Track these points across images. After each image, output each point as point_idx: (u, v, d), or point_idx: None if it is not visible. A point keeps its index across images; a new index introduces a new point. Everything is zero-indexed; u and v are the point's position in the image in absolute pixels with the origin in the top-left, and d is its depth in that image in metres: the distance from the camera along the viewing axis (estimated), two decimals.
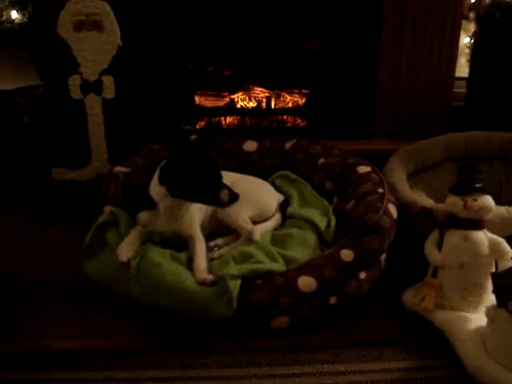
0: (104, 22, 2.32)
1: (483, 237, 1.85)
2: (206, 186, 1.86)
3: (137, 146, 2.43)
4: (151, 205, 1.93)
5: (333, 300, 1.86)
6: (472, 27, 2.98)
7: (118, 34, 2.33)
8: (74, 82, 2.35)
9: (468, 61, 3.01)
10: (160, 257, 1.88)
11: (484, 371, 1.63)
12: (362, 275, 1.92)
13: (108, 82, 2.37)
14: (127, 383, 1.65)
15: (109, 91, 2.38)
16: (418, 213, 1.97)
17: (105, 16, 2.31)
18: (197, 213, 2.01)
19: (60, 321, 1.90)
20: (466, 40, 3.12)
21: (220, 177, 1.88)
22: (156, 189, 1.90)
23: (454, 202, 1.86)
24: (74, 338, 1.82)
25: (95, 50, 2.33)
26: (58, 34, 2.29)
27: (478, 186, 1.86)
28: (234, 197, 1.88)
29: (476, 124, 2.60)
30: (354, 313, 1.93)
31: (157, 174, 1.92)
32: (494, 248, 1.84)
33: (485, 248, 1.83)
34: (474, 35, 2.87)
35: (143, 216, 1.98)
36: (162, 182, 1.88)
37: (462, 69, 3.08)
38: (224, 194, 1.86)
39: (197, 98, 2.80)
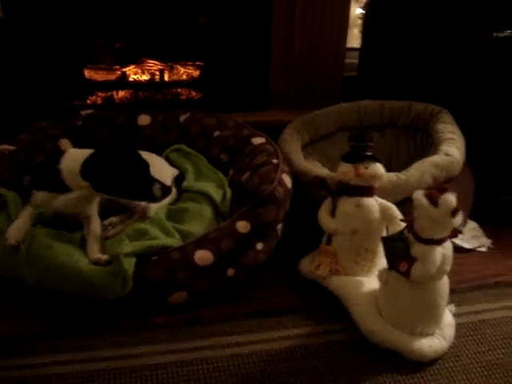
0: None
1: (374, 203, 1.89)
2: (137, 183, 1.80)
3: (24, 124, 2.32)
4: (63, 189, 1.84)
5: (230, 272, 1.85)
6: None
7: None
8: None
9: (360, 31, 3.07)
10: (51, 238, 1.81)
11: (377, 332, 1.69)
12: (259, 246, 1.92)
13: None
14: (20, 370, 1.59)
15: None
16: (312, 182, 1.99)
17: None
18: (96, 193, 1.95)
19: None
20: (358, 11, 3.17)
21: (149, 171, 1.82)
22: (74, 179, 1.81)
23: (345, 170, 1.89)
24: None
25: None
26: None
27: (368, 153, 1.89)
28: (166, 190, 1.84)
29: (368, 94, 2.65)
30: (251, 284, 1.94)
31: (69, 160, 1.82)
32: (385, 213, 1.89)
33: (376, 214, 1.88)
34: (366, 6, 2.92)
35: (40, 196, 1.89)
36: (85, 177, 1.79)
37: (355, 40, 3.13)
38: (156, 189, 1.81)
39: (86, 72, 2.69)
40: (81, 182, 1.81)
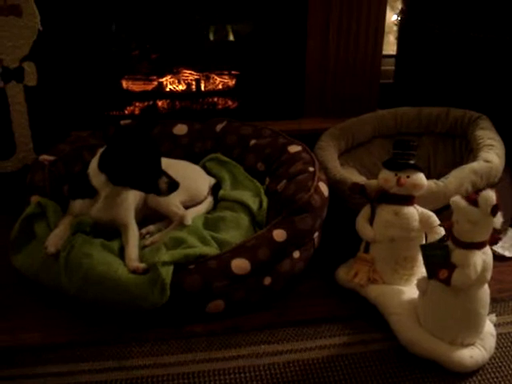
0: (22, 7, 2.22)
1: (414, 211, 1.87)
2: (142, 174, 1.81)
3: (63, 134, 2.36)
4: (92, 193, 1.87)
5: (267, 281, 1.85)
6: (399, 4, 3.01)
7: (38, 18, 2.24)
8: None
9: (396, 38, 3.05)
10: (90, 247, 1.84)
11: (416, 342, 1.67)
12: (296, 254, 1.92)
13: (29, 68, 2.27)
14: (60, 377, 1.61)
15: (31, 78, 2.29)
16: (350, 189, 1.97)
17: (23, 0, 2.22)
18: (132, 200, 1.97)
19: None
20: (393, 17, 3.15)
21: (159, 164, 1.83)
22: (97, 177, 1.84)
23: (386, 178, 1.86)
24: (3, 334, 1.76)
25: (14, 36, 2.23)
26: None
27: (411, 162, 1.85)
28: (173, 185, 1.83)
29: (405, 101, 2.63)
30: (288, 292, 1.93)
31: (94, 161, 1.86)
32: (424, 222, 1.86)
33: (415, 223, 1.86)
34: (401, 12, 2.90)
35: (77, 204, 1.92)
36: (101, 169, 1.83)
37: (391, 46, 3.11)
38: (163, 183, 1.82)
39: (124, 83, 2.73)
40: (101, 177, 1.84)
